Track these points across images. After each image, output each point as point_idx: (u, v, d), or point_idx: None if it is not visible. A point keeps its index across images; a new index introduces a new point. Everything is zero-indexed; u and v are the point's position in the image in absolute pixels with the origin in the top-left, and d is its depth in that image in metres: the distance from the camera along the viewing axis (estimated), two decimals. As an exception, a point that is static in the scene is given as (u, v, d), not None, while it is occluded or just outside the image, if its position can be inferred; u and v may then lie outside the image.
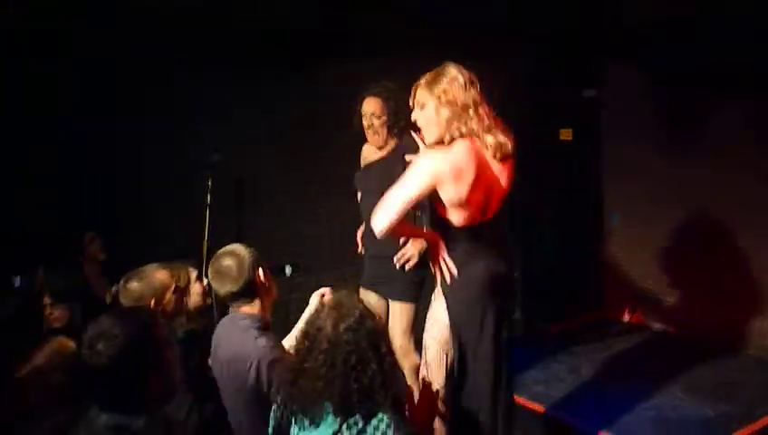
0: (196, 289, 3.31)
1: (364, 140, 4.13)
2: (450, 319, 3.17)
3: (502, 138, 3.08)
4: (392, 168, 3.96)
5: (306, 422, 2.35)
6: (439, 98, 3.06)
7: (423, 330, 3.31)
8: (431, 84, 3.10)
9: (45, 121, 4.00)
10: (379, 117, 3.95)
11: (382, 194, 3.94)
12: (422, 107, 3.13)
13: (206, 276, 3.81)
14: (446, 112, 3.05)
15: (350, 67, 4.68)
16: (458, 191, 3.02)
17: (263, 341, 2.86)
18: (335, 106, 4.29)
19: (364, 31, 4.80)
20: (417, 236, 3.20)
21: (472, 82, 3.09)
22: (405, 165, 3.88)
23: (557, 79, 5.68)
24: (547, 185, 5.77)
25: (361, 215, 4.21)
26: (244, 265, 2.95)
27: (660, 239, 5.59)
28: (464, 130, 3.05)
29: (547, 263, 5.92)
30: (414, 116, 3.18)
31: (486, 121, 3.07)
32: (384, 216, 2.99)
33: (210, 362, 3.12)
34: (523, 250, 5.97)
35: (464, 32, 4.90)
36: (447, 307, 3.17)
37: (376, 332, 2.43)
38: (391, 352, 2.48)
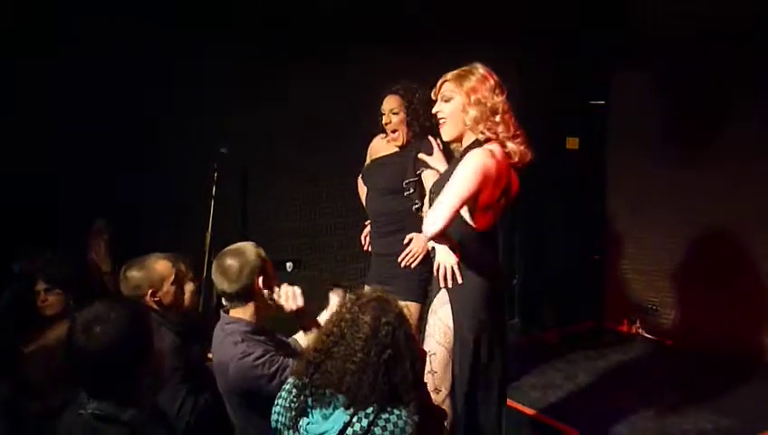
0: (188, 287, 3.31)
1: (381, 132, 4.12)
2: (455, 324, 3.16)
3: (524, 147, 3.10)
4: (402, 165, 3.98)
5: (317, 413, 2.34)
6: (468, 95, 3.06)
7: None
8: (461, 80, 3.10)
9: (49, 106, 3.99)
10: (397, 113, 3.96)
11: (390, 192, 3.97)
12: (447, 100, 3.12)
13: (207, 271, 3.85)
14: (473, 112, 3.05)
15: (364, 60, 4.69)
16: (494, 193, 3.03)
17: (242, 346, 2.83)
18: (345, 99, 4.30)
19: (376, 25, 4.80)
20: (451, 240, 3.12)
21: (501, 88, 3.10)
22: (416, 164, 3.90)
23: (564, 88, 5.68)
24: (551, 193, 5.77)
25: (367, 211, 4.21)
26: (245, 269, 2.92)
27: (664, 249, 5.58)
28: (489, 133, 3.05)
29: (548, 270, 5.91)
30: (437, 108, 3.17)
31: (512, 129, 3.07)
32: (440, 217, 2.91)
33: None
34: (525, 257, 5.97)
35: (470, 38, 4.91)
36: (453, 313, 3.16)
37: (412, 334, 2.44)
38: (423, 356, 2.47)
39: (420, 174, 3.93)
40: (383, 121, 4.00)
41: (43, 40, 3.93)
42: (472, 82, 3.08)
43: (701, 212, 5.29)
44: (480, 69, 3.13)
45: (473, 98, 3.06)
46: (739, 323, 5.10)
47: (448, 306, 3.16)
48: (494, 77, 3.12)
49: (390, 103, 3.98)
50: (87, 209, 4.04)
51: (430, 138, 3.78)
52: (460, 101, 3.09)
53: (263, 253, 3.01)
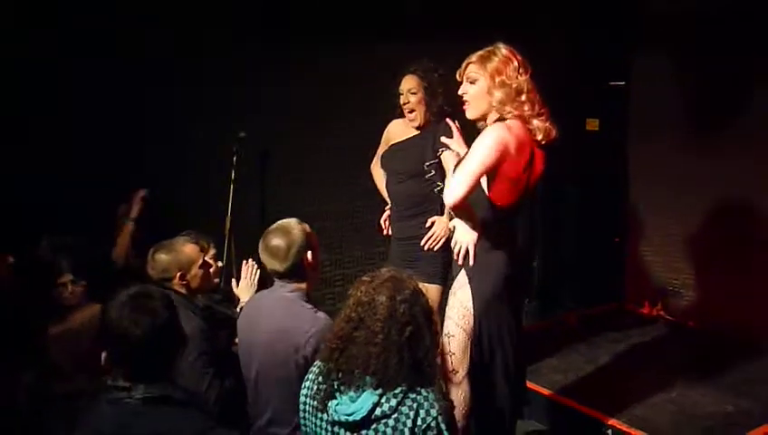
0: (212, 269, 3.34)
1: (399, 116, 4.10)
2: (475, 306, 3.16)
3: (549, 124, 3.12)
4: (422, 148, 3.96)
5: (346, 394, 2.35)
6: (493, 77, 3.09)
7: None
8: (485, 61, 3.12)
9: (69, 87, 4.00)
10: (415, 93, 3.94)
11: (411, 175, 3.96)
12: (473, 82, 3.15)
13: (226, 254, 3.87)
14: (499, 95, 3.09)
15: (381, 44, 4.68)
16: (516, 166, 3.05)
17: (322, 314, 2.91)
18: (366, 80, 4.28)
19: (395, 11, 4.78)
20: (472, 215, 3.14)
21: (525, 67, 3.13)
22: (435, 145, 3.89)
23: (584, 68, 5.64)
24: (572, 174, 5.74)
25: (387, 196, 4.20)
26: (293, 247, 2.96)
27: (684, 232, 5.55)
28: (516, 113, 3.08)
29: (569, 252, 5.89)
30: (462, 89, 3.19)
31: (537, 108, 3.10)
32: (458, 186, 2.95)
33: (240, 335, 3.13)
34: (546, 239, 5.95)
35: (488, 19, 4.88)
36: (473, 294, 3.16)
37: (430, 308, 2.44)
38: (440, 331, 2.49)
39: (440, 156, 3.91)
40: (401, 102, 3.98)
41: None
42: (495, 63, 3.10)
43: (721, 195, 5.27)
44: (503, 49, 3.15)
45: (497, 80, 3.08)
46: (760, 305, 5.05)
47: (467, 288, 3.18)
48: (518, 56, 3.14)
49: (409, 83, 3.96)
50: (106, 196, 4.04)
51: (449, 120, 3.77)
52: (485, 82, 3.11)
53: (308, 228, 3.05)
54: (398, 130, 4.13)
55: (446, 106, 3.84)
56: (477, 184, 3.00)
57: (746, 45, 4.99)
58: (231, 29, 4.39)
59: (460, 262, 3.13)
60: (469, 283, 3.17)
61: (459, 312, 3.19)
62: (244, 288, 3.45)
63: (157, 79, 4.17)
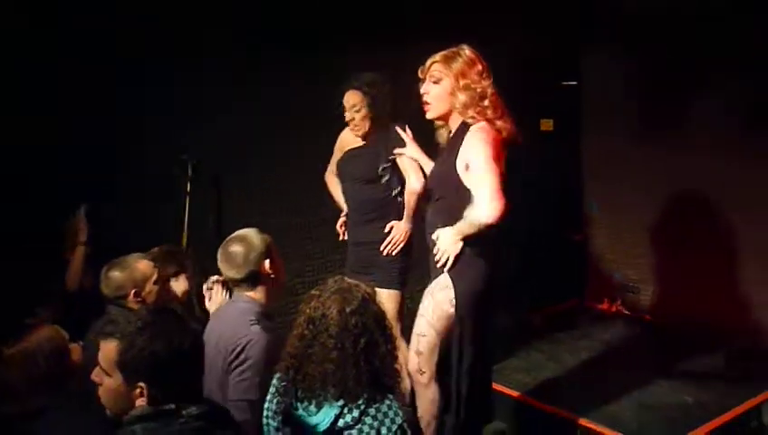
0: (181, 281, 3.32)
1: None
2: (457, 308, 3.18)
3: (513, 127, 3.16)
4: (376, 153, 3.97)
5: (307, 409, 2.34)
6: (457, 78, 3.11)
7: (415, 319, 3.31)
8: (449, 61, 3.14)
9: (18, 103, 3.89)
10: (359, 110, 3.92)
11: (367, 181, 3.97)
12: (437, 81, 3.16)
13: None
14: (463, 98, 3.11)
15: (334, 59, 4.65)
16: (502, 166, 3.12)
17: (257, 327, 2.87)
18: (319, 96, 4.25)
19: (344, 26, 4.77)
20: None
21: (488, 72, 3.16)
22: (388, 150, 3.90)
23: (538, 68, 5.69)
24: (528, 174, 5.77)
25: (342, 202, 4.20)
26: (251, 254, 2.95)
27: (641, 228, 5.64)
28: (478, 117, 3.11)
29: (528, 251, 5.93)
30: (424, 88, 3.20)
31: (499, 111, 3.13)
32: (498, 199, 3.01)
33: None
34: (504, 238, 5.97)
35: (442, 19, 4.89)
36: (456, 298, 3.17)
37: (381, 314, 2.44)
38: (394, 335, 2.49)
39: (394, 159, 3.92)
40: (346, 117, 3.97)
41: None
42: (460, 64, 3.12)
43: (677, 190, 5.35)
44: (467, 51, 3.17)
45: (462, 82, 3.10)
46: (716, 299, 5.16)
47: (450, 291, 3.19)
48: (482, 61, 3.16)
49: (352, 99, 3.92)
50: (57, 215, 3.94)
51: (398, 128, 3.79)
52: (449, 83, 3.13)
53: (268, 238, 3.04)
54: (351, 138, 4.12)
55: (391, 112, 3.89)
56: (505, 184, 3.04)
57: (695, 42, 5.10)
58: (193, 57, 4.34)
59: (445, 269, 3.16)
60: (453, 285, 3.18)
61: (436, 313, 3.21)
62: (213, 303, 3.40)
63: (107, 96, 4.11)
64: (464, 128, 3.16)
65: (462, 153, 3.13)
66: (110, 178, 4.07)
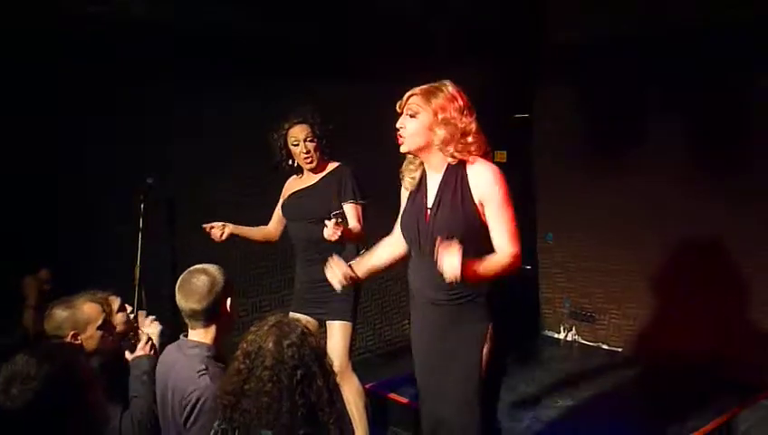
0: (118, 319, 3.19)
1: (288, 168, 4.16)
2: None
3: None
4: (329, 195, 4.01)
5: None
6: (436, 113, 2.99)
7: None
8: (429, 96, 3.03)
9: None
10: (312, 140, 4.01)
11: (318, 221, 3.93)
12: (413, 115, 3.03)
13: (137, 304, 3.74)
14: (442, 133, 2.99)
15: (286, 85, 4.68)
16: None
17: (206, 379, 2.75)
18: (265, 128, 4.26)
19: (294, 55, 4.81)
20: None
21: (470, 109, 3.06)
22: (335, 190, 3.93)
23: (490, 101, 5.74)
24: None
25: (293, 241, 4.20)
26: (216, 286, 2.85)
27: (596, 257, 5.71)
28: (460, 155, 3.00)
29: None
30: (400, 123, 3.07)
31: (483, 148, 3.05)
32: (514, 243, 2.95)
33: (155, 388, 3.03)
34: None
35: (395, 55, 4.95)
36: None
37: (319, 348, 2.39)
38: (334, 371, 2.45)
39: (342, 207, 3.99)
40: (300, 150, 4.01)
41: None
42: (440, 99, 3.01)
43: (628, 218, 5.44)
44: (450, 87, 3.07)
45: (441, 117, 2.99)
46: (671, 328, 5.24)
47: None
48: (464, 98, 3.06)
49: (304, 132, 4.01)
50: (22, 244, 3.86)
51: (346, 174, 4.00)
52: (427, 118, 3.01)
53: (229, 277, 2.94)
54: (296, 184, 4.19)
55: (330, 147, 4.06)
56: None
57: (641, 71, 5.23)
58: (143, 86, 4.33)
59: None
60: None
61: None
62: (148, 326, 3.29)
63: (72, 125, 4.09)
64: (458, 165, 3.03)
65: (475, 191, 3.00)
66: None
